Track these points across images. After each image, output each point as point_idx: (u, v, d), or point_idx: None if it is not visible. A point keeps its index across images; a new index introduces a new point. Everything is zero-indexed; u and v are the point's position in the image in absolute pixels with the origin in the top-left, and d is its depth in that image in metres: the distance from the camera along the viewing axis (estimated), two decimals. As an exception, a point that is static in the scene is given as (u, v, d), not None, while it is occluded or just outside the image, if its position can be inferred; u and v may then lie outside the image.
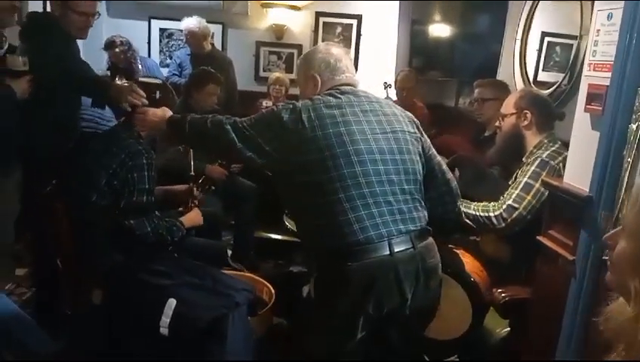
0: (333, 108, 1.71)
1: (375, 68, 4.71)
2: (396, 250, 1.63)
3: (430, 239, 1.76)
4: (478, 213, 2.11)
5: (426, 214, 1.77)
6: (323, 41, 4.92)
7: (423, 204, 1.78)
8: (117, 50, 3.91)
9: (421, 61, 4.73)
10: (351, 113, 1.71)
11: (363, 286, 1.60)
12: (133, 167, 2.05)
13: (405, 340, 1.83)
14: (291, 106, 1.70)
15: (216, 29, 4.66)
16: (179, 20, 4.41)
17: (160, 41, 5.00)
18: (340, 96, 1.76)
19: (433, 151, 1.89)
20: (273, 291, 2.36)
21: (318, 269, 1.73)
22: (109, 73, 3.87)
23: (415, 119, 1.88)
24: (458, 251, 2.19)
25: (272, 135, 1.67)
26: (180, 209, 2.44)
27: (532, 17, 3.27)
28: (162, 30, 4.98)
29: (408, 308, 1.69)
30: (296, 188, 1.71)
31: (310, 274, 1.84)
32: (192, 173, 2.65)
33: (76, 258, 2.15)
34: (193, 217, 2.38)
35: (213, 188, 3.09)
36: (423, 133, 1.88)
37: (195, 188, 2.61)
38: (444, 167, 1.92)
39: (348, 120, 1.69)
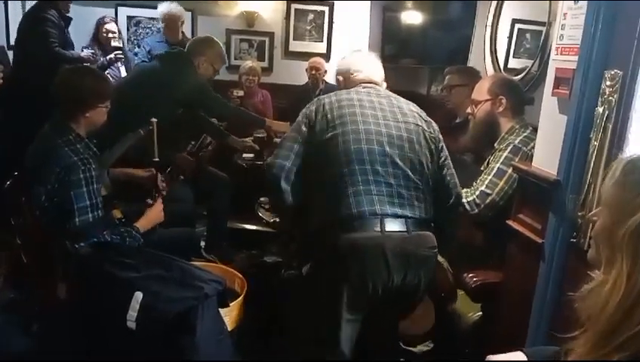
0: (352, 94, 1.91)
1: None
2: (387, 229, 1.68)
3: (429, 232, 1.79)
4: None
5: (430, 209, 1.81)
6: (295, 28, 4.89)
7: (429, 199, 1.82)
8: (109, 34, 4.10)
9: (394, 48, 4.73)
10: (367, 101, 1.88)
11: (351, 258, 1.67)
12: (70, 183, 1.91)
13: (385, 321, 1.89)
14: (315, 100, 1.93)
15: (185, 17, 4.56)
16: (146, 8, 4.29)
17: (128, 29, 4.86)
18: (361, 89, 1.96)
19: (449, 162, 1.94)
20: (245, 282, 2.33)
21: (315, 245, 1.81)
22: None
23: (435, 125, 1.95)
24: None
25: (297, 133, 1.85)
26: (149, 201, 2.36)
27: (502, 4, 3.28)
28: (130, 18, 4.84)
29: (394, 289, 1.72)
30: (311, 168, 1.82)
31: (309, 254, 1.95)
32: (157, 158, 2.48)
33: (42, 252, 2.08)
34: (152, 217, 2.21)
35: (182, 177, 3.02)
36: (442, 140, 1.95)
37: (159, 176, 2.48)
38: (456, 180, 1.95)
39: (364, 105, 1.86)
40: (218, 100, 3.26)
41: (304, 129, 1.85)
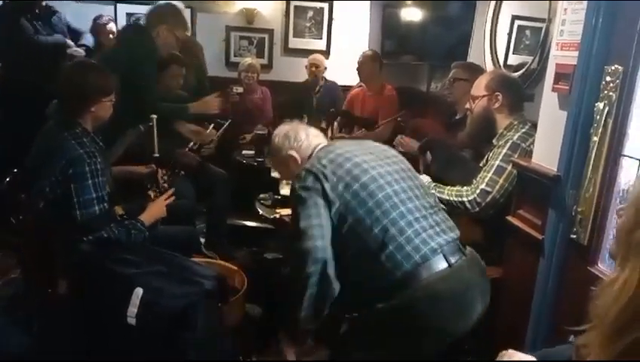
0: (336, 150, 1.71)
1: (347, 52, 4.66)
2: (453, 261, 1.58)
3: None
4: (451, 198, 2.11)
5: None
6: (294, 25, 4.89)
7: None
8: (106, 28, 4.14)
9: (393, 45, 4.71)
10: (352, 151, 1.71)
11: (429, 308, 1.52)
12: (74, 176, 1.89)
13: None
14: (304, 171, 1.65)
15: (184, 13, 4.55)
16: (146, 4, 4.25)
17: (127, 26, 4.86)
18: (335, 145, 1.78)
19: None
20: (245, 278, 2.34)
21: (368, 312, 1.58)
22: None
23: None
24: None
25: (313, 207, 1.58)
26: (150, 192, 2.35)
27: (502, 1, 3.28)
28: (129, 15, 4.83)
29: (478, 319, 1.61)
30: (342, 238, 1.59)
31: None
32: (157, 154, 2.45)
33: (43, 249, 2.08)
34: (155, 212, 2.18)
35: (182, 173, 3.02)
36: None
37: (159, 172, 2.47)
38: None
39: (355, 154, 1.69)
40: (150, 81, 2.89)
41: (320, 201, 1.58)
